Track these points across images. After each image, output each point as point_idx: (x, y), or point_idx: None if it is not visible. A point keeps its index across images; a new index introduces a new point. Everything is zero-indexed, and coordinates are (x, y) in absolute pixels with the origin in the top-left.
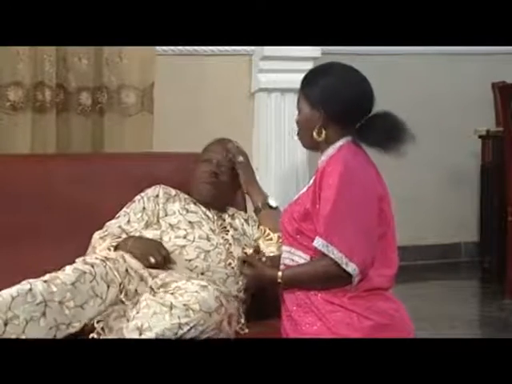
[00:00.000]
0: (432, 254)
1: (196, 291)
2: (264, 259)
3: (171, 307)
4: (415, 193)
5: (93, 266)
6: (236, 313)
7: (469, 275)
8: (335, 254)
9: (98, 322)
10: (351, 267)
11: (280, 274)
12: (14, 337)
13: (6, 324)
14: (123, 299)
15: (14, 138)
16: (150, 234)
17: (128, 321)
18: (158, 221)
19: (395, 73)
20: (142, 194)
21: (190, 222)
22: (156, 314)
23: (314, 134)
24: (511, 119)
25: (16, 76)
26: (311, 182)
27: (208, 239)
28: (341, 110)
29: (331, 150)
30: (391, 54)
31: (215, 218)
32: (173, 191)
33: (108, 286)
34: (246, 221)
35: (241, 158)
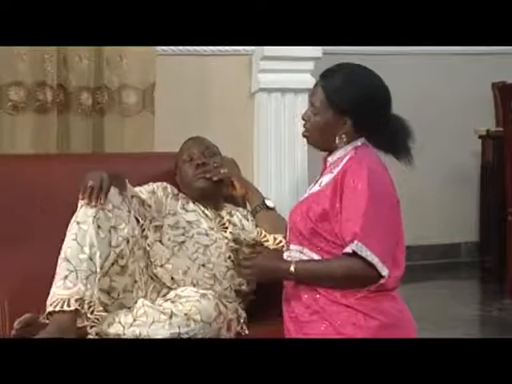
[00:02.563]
0: (432, 254)
1: (197, 300)
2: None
3: (171, 316)
4: (415, 193)
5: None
6: (235, 316)
7: (469, 275)
8: (370, 256)
9: (91, 327)
10: (385, 271)
11: (293, 267)
12: None
13: None
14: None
15: (14, 138)
16: (151, 235)
17: (124, 328)
18: (163, 216)
19: (395, 73)
20: (152, 183)
21: (188, 222)
22: (155, 323)
23: (337, 139)
24: (511, 119)
25: (17, 76)
26: (328, 180)
27: (207, 235)
28: (369, 120)
29: (344, 151)
30: (391, 54)
31: (213, 216)
32: (175, 190)
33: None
34: (245, 216)
35: (224, 170)
